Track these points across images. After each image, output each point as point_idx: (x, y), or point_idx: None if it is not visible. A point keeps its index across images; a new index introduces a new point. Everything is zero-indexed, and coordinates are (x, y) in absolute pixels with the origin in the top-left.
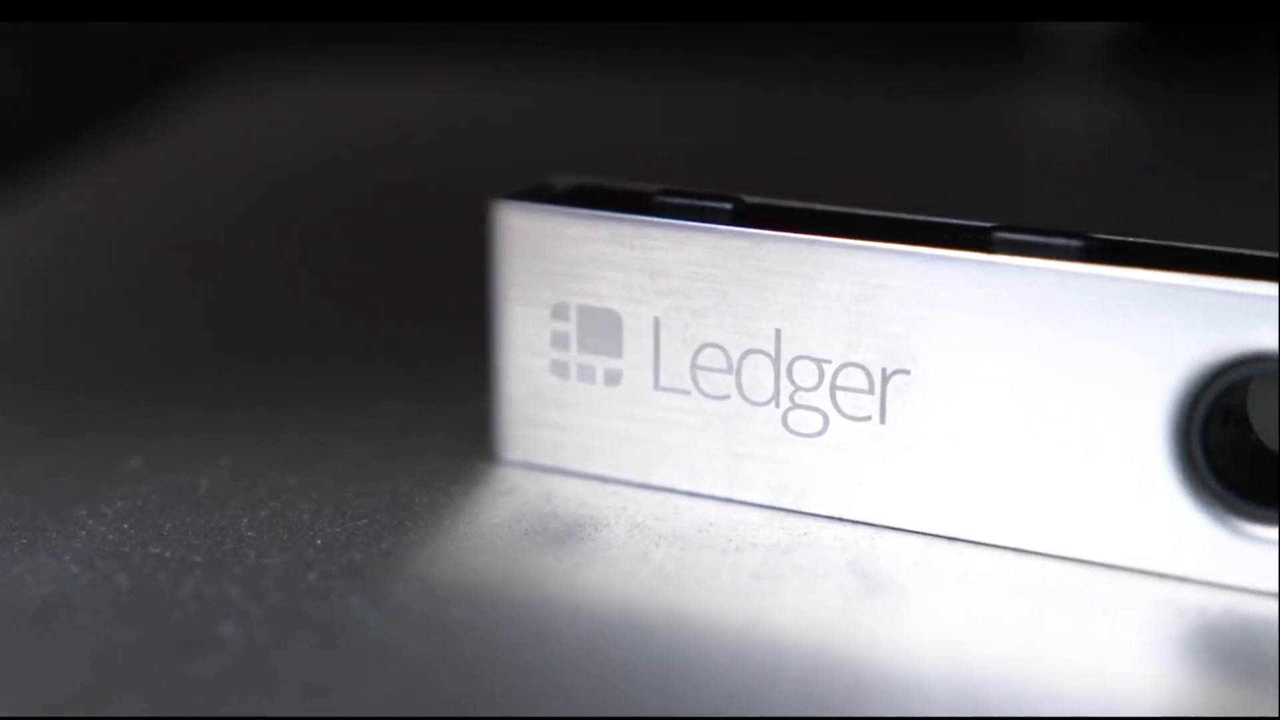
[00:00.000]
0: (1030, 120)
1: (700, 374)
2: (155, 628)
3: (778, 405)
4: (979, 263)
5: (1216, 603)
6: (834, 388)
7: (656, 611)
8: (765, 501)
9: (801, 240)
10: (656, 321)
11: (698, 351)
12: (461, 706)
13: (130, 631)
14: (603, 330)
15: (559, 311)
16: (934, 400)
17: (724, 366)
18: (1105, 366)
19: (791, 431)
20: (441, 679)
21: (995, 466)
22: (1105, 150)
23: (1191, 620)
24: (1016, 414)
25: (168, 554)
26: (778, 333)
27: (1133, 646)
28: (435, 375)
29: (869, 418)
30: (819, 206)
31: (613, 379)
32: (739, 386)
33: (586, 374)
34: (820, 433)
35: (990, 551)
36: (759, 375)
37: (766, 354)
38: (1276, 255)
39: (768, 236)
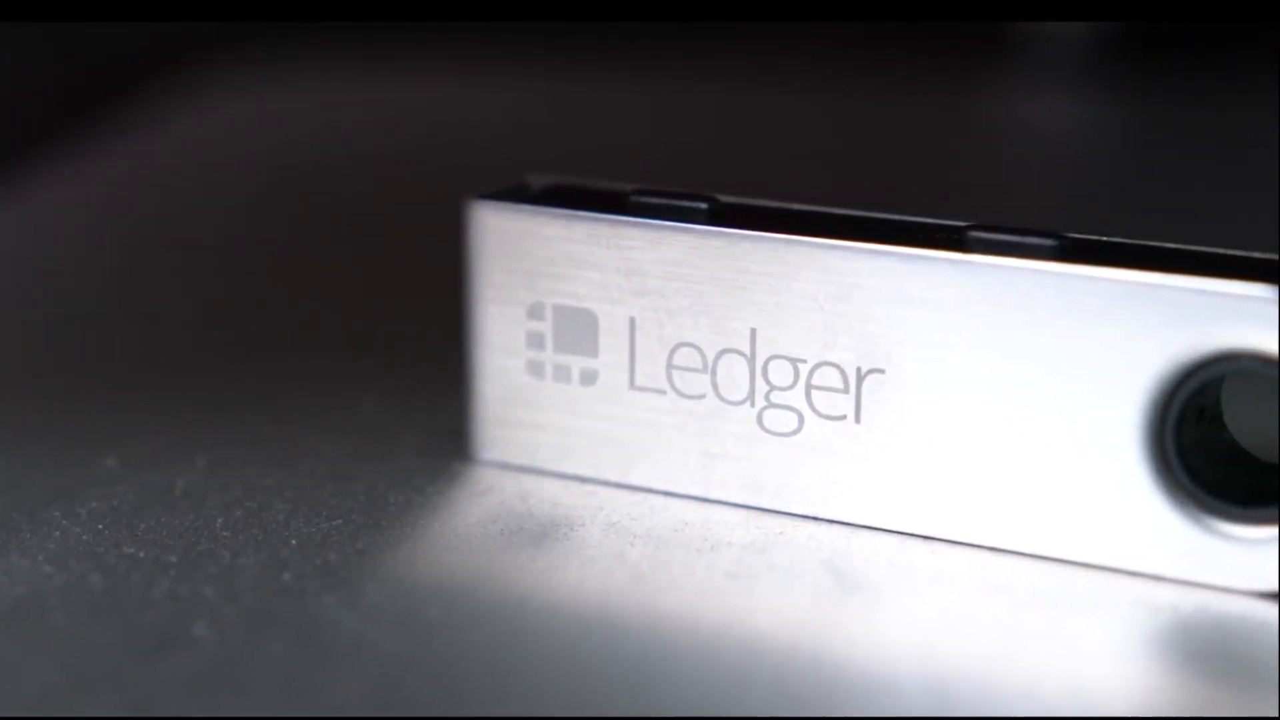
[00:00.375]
0: (1013, 119)
1: (676, 374)
2: (129, 628)
3: (753, 405)
4: (954, 262)
5: (1190, 601)
6: (809, 387)
7: (632, 611)
8: (741, 501)
9: (777, 240)
10: (632, 321)
11: (673, 351)
12: (436, 706)
13: (103, 632)
14: (578, 330)
15: (535, 311)
16: (909, 399)
17: (699, 366)
18: (1079, 365)
19: (767, 431)
20: (416, 679)
21: (970, 466)
22: (1088, 149)
23: (1165, 619)
24: (991, 413)
25: (142, 554)
26: (753, 332)
27: (1107, 645)
28: (412, 375)
29: (844, 417)
30: (795, 206)
31: (588, 379)
32: (714, 386)
33: (562, 374)
34: (795, 432)
35: (965, 550)
36: (734, 375)
37: (742, 353)
38: (1250, 254)
39: (743, 236)
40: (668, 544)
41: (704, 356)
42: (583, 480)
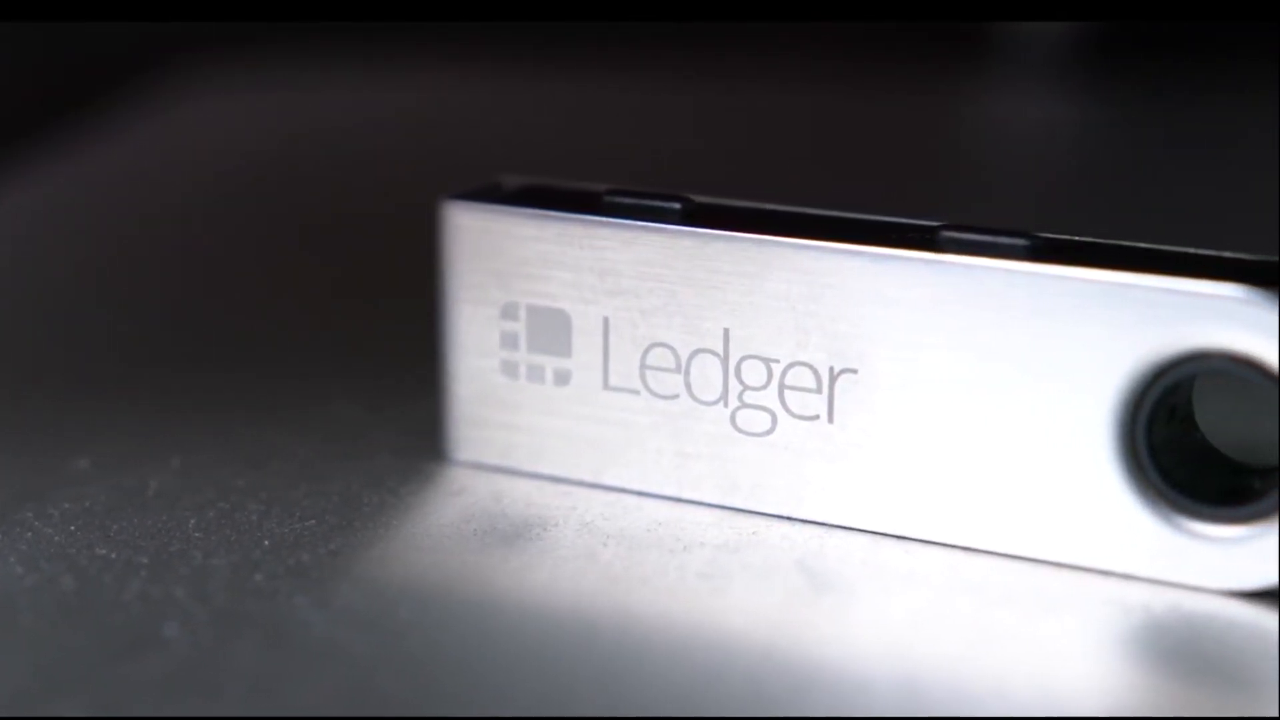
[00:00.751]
0: (990, 120)
1: (649, 374)
2: (100, 629)
3: (726, 405)
4: (926, 262)
5: (1161, 600)
6: (782, 387)
7: (604, 611)
8: (714, 501)
9: (749, 240)
10: (605, 321)
11: (647, 351)
12: (407, 706)
13: (74, 633)
14: (552, 330)
15: (508, 311)
16: (882, 399)
17: (673, 366)
18: (1051, 364)
19: (740, 431)
20: (387, 679)
21: (943, 465)
22: (1063, 149)
23: (1137, 618)
24: (963, 413)
25: (114, 555)
26: (726, 332)
27: (1078, 645)
28: (386, 376)
29: (817, 417)
30: (768, 206)
31: (562, 379)
32: (688, 386)
33: (536, 374)
34: (769, 432)
35: (938, 550)
36: (708, 375)
37: (715, 353)
38: (1221, 254)
39: (716, 236)
40: (641, 544)
41: (677, 356)
42: (556, 480)
